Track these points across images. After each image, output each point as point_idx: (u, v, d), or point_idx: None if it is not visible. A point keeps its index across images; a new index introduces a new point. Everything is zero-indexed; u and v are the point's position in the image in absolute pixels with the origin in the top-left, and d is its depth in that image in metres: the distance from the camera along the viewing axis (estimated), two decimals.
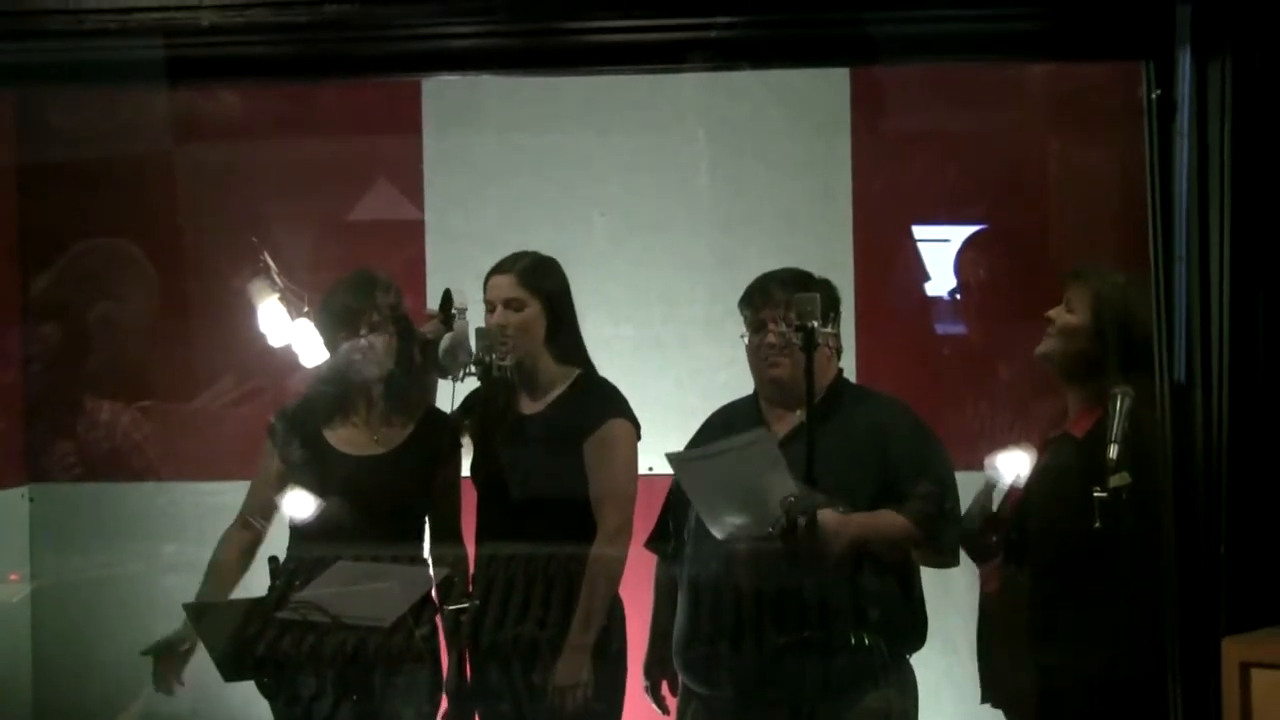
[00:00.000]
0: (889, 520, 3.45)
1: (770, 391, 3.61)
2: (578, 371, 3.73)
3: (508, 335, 3.61)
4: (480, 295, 3.70)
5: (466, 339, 3.58)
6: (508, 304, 3.65)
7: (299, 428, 3.74)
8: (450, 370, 3.59)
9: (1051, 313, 3.45)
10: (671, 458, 3.52)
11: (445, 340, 3.58)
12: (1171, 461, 3.07)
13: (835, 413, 3.54)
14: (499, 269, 3.70)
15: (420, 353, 3.69)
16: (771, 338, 3.54)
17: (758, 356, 3.60)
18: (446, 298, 3.66)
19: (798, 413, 3.53)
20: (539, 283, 3.68)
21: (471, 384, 3.66)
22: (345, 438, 3.73)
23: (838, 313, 3.66)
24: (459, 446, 3.78)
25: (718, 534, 3.44)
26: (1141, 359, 3.23)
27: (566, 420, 3.66)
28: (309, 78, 3.76)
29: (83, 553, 4.64)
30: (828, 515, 3.33)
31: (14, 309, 4.62)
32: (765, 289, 3.59)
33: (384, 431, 3.73)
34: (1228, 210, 2.99)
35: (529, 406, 3.71)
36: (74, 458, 4.51)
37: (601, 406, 3.67)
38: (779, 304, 3.53)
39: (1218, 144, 3.00)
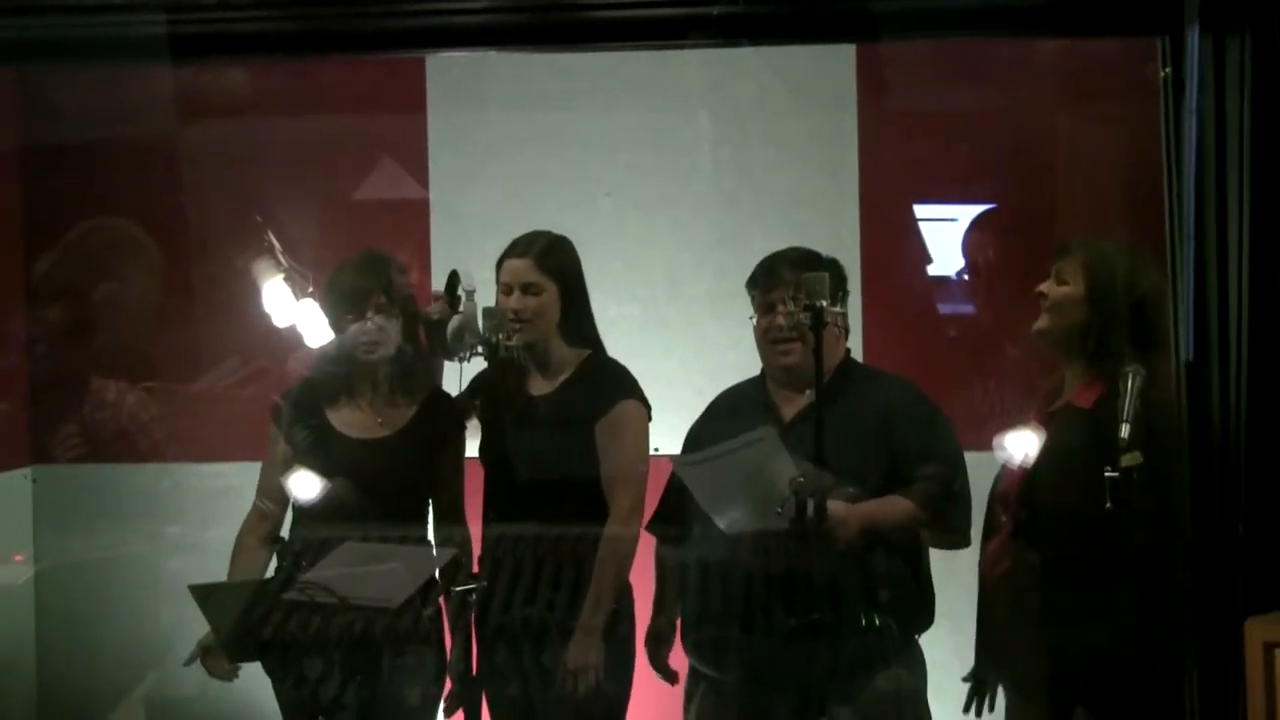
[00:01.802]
0: (895, 507, 3.44)
1: (779, 375, 3.59)
2: (588, 353, 3.71)
3: (524, 319, 3.59)
4: (487, 275, 3.68)
5: (474, 321, 3.55)
6: (526, 289, 3.62)
7: (302, 410, 3.72)
8: (456, 352, 3.57)
9: (1043, 287, 3.42)
10: (676, 463, 3.51)
11: (453, 322, 3.54)
12: (1188, 440, 3.05)
13: (843, 394, 3.52)
14: (515, 253, 3.66)
15: (426, 334, 3.67)
16: (780, 319, 3.52)
17: (766, 340, 3.58)
18: (453, 279, 3.63)
19: (806, 394, 3.51)
20: (556, 266, 3.65)
21: (479, 365, 3.63)
22: (349, 420, 3.71)
23: (845, 292, 3.64)
24: (463, 428, 3.76)
25: (726, 529, 3.42)
26: (1142, 325, 3.21)
27: (577, 402, 3.64)
28: (313, 54, 3.73)
29: (86, 535, 4.62)
30: (835, 506, 3.31)
31: (17, 290, 4.60)
32: (773, 270, 3.57)
33: (388, 414, 3.71)
34: (1247, 187, 2.96)
35: (539, 388, 3.69)
36: (77, 439, 4.49)
37: (612, 388, 3.64)
38: (787, 285, 3.50)
39: (1236, 120, 2.97)
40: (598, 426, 3.60)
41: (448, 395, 3.77)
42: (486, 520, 3.66)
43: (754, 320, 3.59)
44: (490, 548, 3.61)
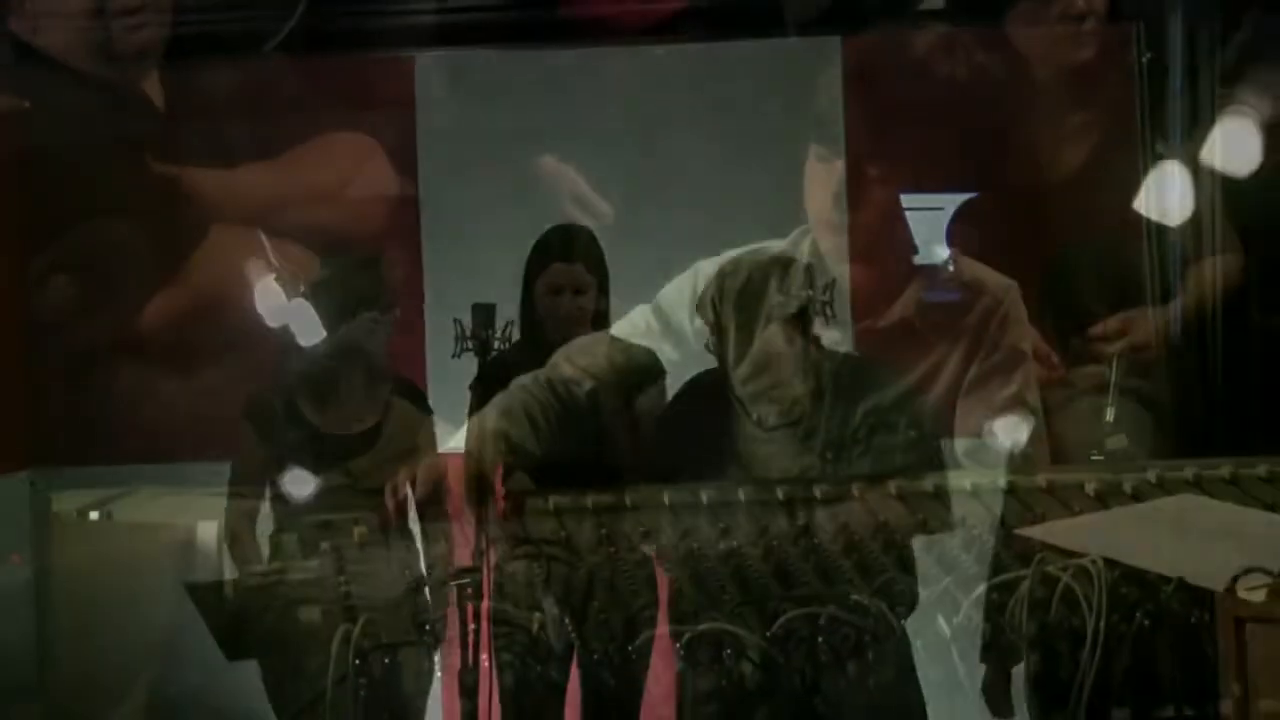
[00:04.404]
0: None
1: None
2: None
3: (574, 320, 3.67)
4: (473, 263, 3.70)
5: None
6: (577, 291, 3.68)
7: (279, 409, 3.76)
8: None
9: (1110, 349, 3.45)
10: None
11: None
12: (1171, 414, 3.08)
13: (826, 391, 3.52)
14: (564, 254, 3.75)
15: None
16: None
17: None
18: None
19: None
20: (598, 264, 3.76)
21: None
22: (326, 417, 3.76)
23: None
24: (431, 413, 3.80)
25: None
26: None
27: None
28: (303, 53, 3.76)
29: (85, 538, 4.62)
30: None
31: (16, 293, 4.61)
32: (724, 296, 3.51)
33: (364, 409, 3.77)
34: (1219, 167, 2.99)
35: None
36: (76, 441, 4.52)
37: None
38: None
39: (1209, 106, 3.00)
40: None
41: (416, 387, 3.82)
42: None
43: (709, 345, 3.54)
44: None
